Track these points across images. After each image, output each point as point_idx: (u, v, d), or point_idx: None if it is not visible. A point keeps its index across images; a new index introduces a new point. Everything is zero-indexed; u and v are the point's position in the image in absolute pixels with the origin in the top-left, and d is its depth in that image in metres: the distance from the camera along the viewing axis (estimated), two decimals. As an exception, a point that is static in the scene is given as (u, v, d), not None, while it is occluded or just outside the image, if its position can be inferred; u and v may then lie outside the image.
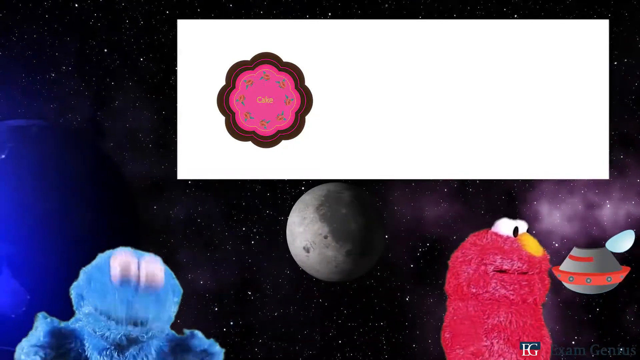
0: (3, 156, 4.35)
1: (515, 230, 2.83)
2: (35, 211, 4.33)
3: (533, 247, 2.82)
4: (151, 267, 2.42)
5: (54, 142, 4.56)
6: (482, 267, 2.80)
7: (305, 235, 4.48)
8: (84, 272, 2.47)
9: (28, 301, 4.24)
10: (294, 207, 4.57)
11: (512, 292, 2.77)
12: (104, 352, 2.42)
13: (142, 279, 2.39)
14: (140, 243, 4.60)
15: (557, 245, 4.45)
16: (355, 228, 4.51)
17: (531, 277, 2.78)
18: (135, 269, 2.40)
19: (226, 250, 4.74)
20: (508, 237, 2.83)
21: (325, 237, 4.45)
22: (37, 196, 4.35)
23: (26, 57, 4.55)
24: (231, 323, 4.71)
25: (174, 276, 2.53)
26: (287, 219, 4.64)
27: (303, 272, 4.67)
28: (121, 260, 2.40)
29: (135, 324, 2.38)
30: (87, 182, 4.52)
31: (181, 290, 2.53)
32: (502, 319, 2.78)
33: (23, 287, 4.27)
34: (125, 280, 2.38)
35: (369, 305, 4.76)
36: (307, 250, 4.42)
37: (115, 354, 2.42)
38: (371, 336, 4.73)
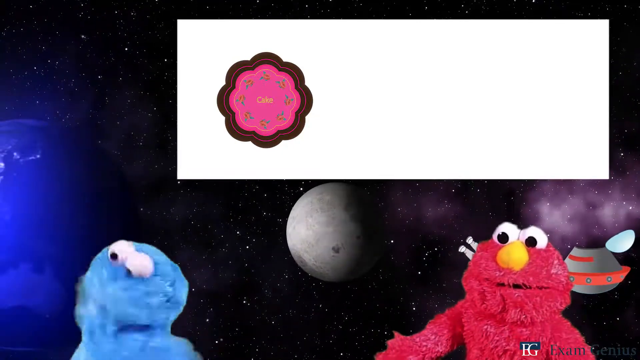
0: (38, 156, 4.35)
1: (502, 236, 2.75)
2: (62, 211, 4.34)
3: (506, 258, 2.67)
4: (139, 258, 2.54)
5: (60, 142, 4.57)
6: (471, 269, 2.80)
7: (335, 235, 4.45)
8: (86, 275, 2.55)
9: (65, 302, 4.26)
10: (310, 208, 4.51)
11: (473, 301, 2.72)
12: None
13: (130, 265, 2.52)
14: (139, 243, 4.59)
15: (557, 245, 4.44)
16: (380, 229, 4.54)
17: (493, 288, 2.68)
18: (125, 253, 2.54)
19: (225, 251, 4.74)
20: (492, 242, 2.77)
21: (358, 238, 4.45)
22: (62, 197, 4.37)
23: (25, 57, 4.55)
24: (228, 328, 4.69)
25: (178, 267, 2.60)
26: (285, 220, 4.62)
27: (303, 274, 4.66)
28: (118, 244, 2.56)
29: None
30: (86, 182, 4.52)
31: (186, 282, 2.60)
32: (470, 324, 2.77)
33: (64, 287, 4.28)
34: (113, 257, 2.53)
35: (370, 308, 4.74)
36: (337, 251, 4.41)
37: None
38: (372, 340, 4.71)
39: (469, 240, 2.83)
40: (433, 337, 2.83)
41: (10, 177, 4.31)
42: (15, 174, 4.33)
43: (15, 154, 4.35)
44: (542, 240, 2.73)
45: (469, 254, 2.82)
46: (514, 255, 2.67)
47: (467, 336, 2.78)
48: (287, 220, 4.65)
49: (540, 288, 2.66)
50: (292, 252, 4.58)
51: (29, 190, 4.33)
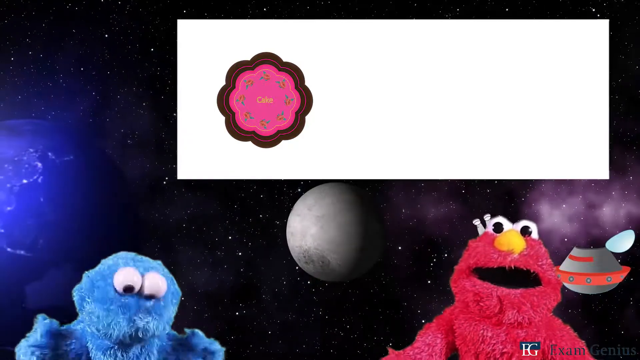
0: (72, 157, 4.36)
1: (497, 225, 2.77)
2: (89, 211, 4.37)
3: (506, 241, 2.70)
4: (154, 280, 2.49)
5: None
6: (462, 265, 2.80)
7: (363, 234, 4.45)
8: (87, 277, 2.52)
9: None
10: (337, 207, 4.47)
11: (471, 300, 2.72)
12: (108, 352, 2.47)
13: (146, 290, 2.46)
14: (139, 243, 4.59)
15: (557, 245, 4.45)
16: (386, 228, 4.57)
17: (489, 289, 2.69)
18: (138, 282, 2.46)
19: (225, 251, 4.72)
20: (487, 233, 2.78)
21: (380, 236, 4.46)
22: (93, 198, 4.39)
23: (26, 57, 4.54)
24: (226, 332, 4.67)
25: (174, 280, 2.59)
26: (284, 221, 4.60)
27: (303, 277, 4.64)
28: (126, 273, 2.47)
29: (137, 334, 2.44)
30: (86, 182, 4.52)
31: (180, 293, 2.59)
32: (462, 329, 2.76)
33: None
34: (128, 292, 2.47)
35: (372, 311, 4.71)
36: (363, 251, 4.41)
37: (119, 354, 2.46)
38: (374, 344, 4.68)
39: (487, 217, 2.84)
40: (427, 348, 2.81)
41: (49, 177, 4.32)
42: (54, 175, 4.34)
43: (49, 154, 4.35)
44: (534, 231, 2.77)
45: (480, 230, 2.83)
46: (514, 239, 2.70)
47: (460, 342, 2.77)
48: (286, 222, 4.62)
49: (536, 275, 2.66)
50: (310, 252, 4.49)
51: (70, 191, 4.34)
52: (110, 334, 2.43)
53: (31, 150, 4.33)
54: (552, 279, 2.72)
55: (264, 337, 4.70)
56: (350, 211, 4.46)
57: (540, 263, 2.70)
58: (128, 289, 2.46)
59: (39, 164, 4.29)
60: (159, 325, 2.49)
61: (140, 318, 2.44)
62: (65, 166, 4.41)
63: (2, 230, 4.22)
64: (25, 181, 4.24)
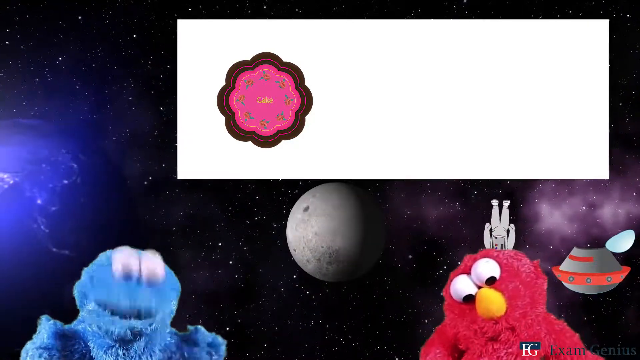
0: (101, 158, 4.38)
1: (467, 298, 2.63)
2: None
3: (487, 314, 2.58)
4: (151, 262, 2.50)
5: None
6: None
7: (383, 233, 4.47)
8: (86, 272, 2.53)
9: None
10: (359, 210, 4.46)
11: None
12: (110, 351, 2.47)
13: (144, 273, 2.47)
14: (139, 243, 4.57)
15: (557, 245, 4.45)
16: None
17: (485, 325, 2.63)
18: (136, 264, 2.47)
19: (225, 251, 4.72)
20: (460, 305, 2.70)
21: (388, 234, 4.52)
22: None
23: (26, 56, 4.54)
24: (225, 334, 4.63)
25: (173, 273, 2.60)
26: (282, 223, 4.60)
27: (303, 280, 4.63)
28: (122, 257, 2.47)
29: (138, 316, 2.44)
30: (86, 183, 4.52)
31: (180, 286, 2.60)
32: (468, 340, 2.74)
33: None
34: (127, 276, 2.45)
35: (373, 314, 4.70)
36: (382, 248, 4.46)
37: (121, 352, 2.47)
38: (376, 349, 4.66)
39: (506, 202, 2.81)
40: None
41: (85, 179, 4.34)
42: (88, 177, 4.36)
43: (80, 155, 4.37)
44: (497, 271, 2.64)
45: (494, 215, 2.79)
46: (494, 307, 2.59)
47: (465, 339, 2.76)
48: (284, 223, 4.61)
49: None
50: (339, 252, 4.40)
51: (102, 193, 4.35)
52: (111, 332, 2.44)
53: (64, 150, 4.35)
54: (530, 274, 2.66)
55: (262, 342, 4.70)
56: (372, 211, 4.47)
57: (522, 296, 2.62)
58: (127, 272, 2.47)
59: (75, 165, 4.30)
60: (161, 305, 2.48)
61: (141, 298, 2.44)
62: (97, 168, 4.43)
63: (47, 231, 4.24)
64: (65, 182, 4.26)
